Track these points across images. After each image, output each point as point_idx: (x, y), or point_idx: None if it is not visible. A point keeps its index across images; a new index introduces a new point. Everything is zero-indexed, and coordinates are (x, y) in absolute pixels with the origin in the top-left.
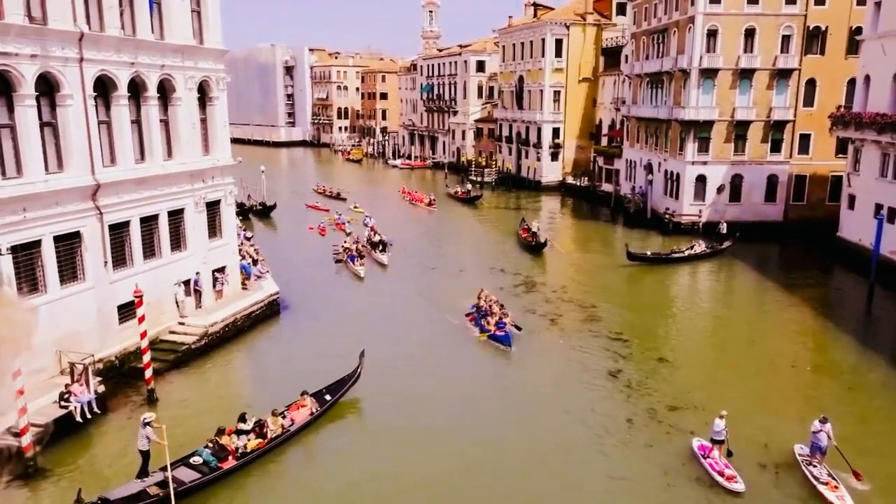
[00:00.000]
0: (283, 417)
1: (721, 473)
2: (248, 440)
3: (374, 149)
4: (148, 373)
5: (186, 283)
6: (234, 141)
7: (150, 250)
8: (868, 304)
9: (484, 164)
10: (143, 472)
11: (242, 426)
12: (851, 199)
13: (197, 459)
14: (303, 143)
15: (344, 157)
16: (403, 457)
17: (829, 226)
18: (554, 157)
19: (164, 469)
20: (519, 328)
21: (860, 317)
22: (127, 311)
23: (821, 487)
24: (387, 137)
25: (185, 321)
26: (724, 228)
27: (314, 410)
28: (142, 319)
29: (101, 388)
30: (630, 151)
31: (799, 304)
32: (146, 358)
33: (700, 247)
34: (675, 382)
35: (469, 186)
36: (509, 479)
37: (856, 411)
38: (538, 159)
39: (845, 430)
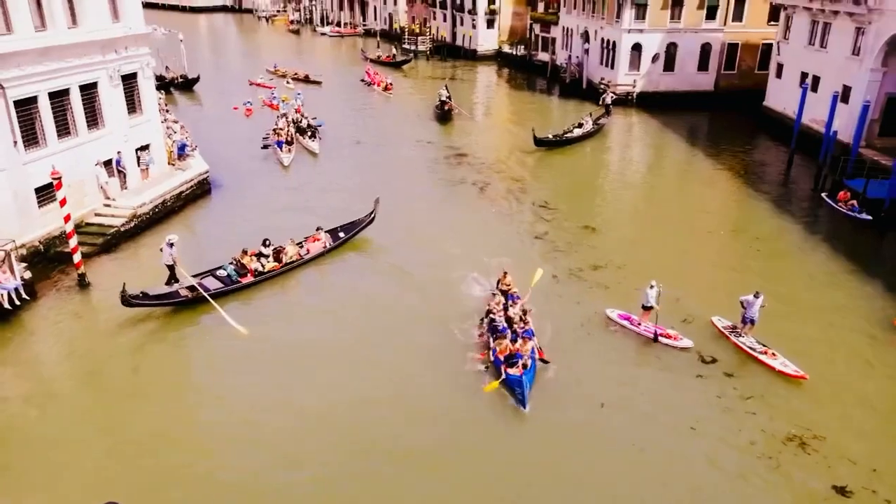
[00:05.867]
0: (301, 247)
1: (665, 335)
2: (266, 262)
3: (300, 15)
4: (76, 257)
5: (108, 163)
6: (147, 6)
7: (64, 128)
8: (787, 172)
9: (418, 31)
10: (171, 280)
11: (263, 249)
12: (779, 67)
13: (222, 272)
14: (223, 9)
15: (286, 27)
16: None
17: (757, 95)
18: (490, 24)
19: (195, 276)
20: (546, 360)
21: (778, 184)
22: (46, 193)
23: (761, 357)
24: (314, 2)
25: (112, 203)
26: (608, 99)
27: (327, 244)
28: (63, 202)
29: (28, 275)
30: (567, 18)
31: (722, 172)
32: (73, 242)
33: (588, 125)
34: (597, 246)
35: (395, 50)
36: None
37: (761, 271)
38: (474, 26)
39: (751, 289)
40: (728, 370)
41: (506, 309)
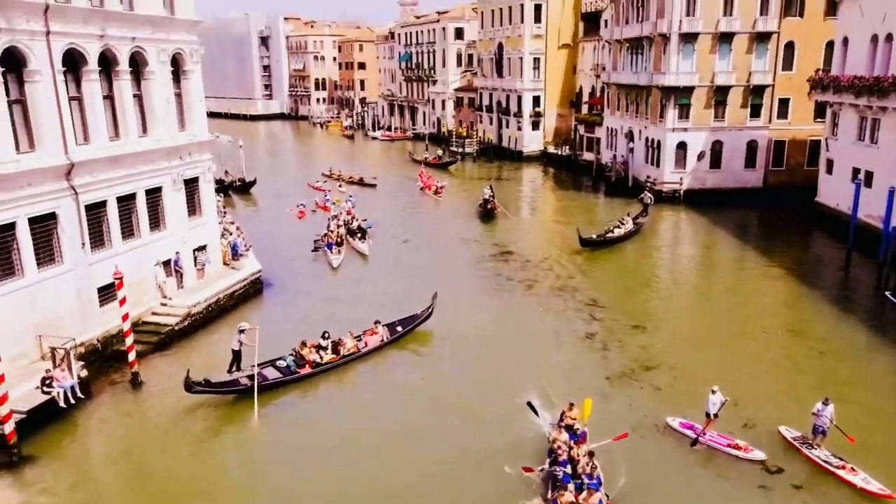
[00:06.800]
0: (359, 340)
1: (735, 446)
2: (325, 354)
3: (353, 120)
4: (131, 356)
5: (167, 263)
6: (211, 115)
7: (128, 230)
8: (846, 269)
9: (465, 134)
10: (233, 367)
11: (322, 342)
12: (829, 163)
13: (281, 363)
14: (280, 116)
15: (341, 132)
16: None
17: (807, 191)
18: (535, 126)
19: (255, 366)
20: None
21: (837, 282)
22: (107, 293)
23: (839, 472)
24: (366, 108)
25: (168, 302)
26: (647, 199)
27: (385, 338)
28: (123, 301)
29: (84, 373)
30: (611, 119)
31: (776, 270)
32: (129, 341)
33: (628, 224)
34: (649, 345)
35: (440, 152)
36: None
37: (825, 375)
38: (519, 128)
39: (814, 394)
40: (796, 482)
41: (570, 449)
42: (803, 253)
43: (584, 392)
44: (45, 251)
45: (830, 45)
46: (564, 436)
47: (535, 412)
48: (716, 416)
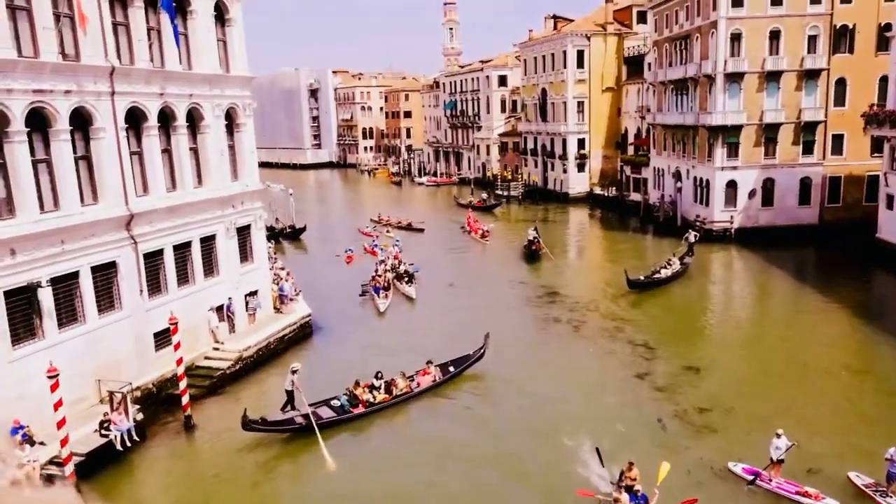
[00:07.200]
0: (411, 380)
1: (805, 494)
2: (377, 394)
3: (400, 167)
4: (185, 399)
5: (219, 308)
6: (262, 165)
7: (183, 277)
8: None
9: (510, 177)
10: (286, 406)
11: (375, 382)
12: (889, 198)
13: (336, 402)
14: (329, 165)
15: (389, 179)
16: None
17: (866, 227)
18: (580, 168)
19: (311, 405)
20: None
21: None
22: (163, 338)
23: None
24: (412, 155)
25: (220, 346)
26: (691, 238)
27: (437, 378)
28: (177, 346)
29: (140, 416)
30: (657, 159)
31: (836, 308)
32: (182, 384)
33: (676, 264)
34: (702, 387)
35: (485, 195)
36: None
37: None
38: (564, 171)
39: (886, 439)
40: None
41: None
42: (865, 291)
43: (638, 439)
44: (106, 298)
45: (884, 80)
46: (625, 497)
47: (601, 461)
48: (781, 460)
